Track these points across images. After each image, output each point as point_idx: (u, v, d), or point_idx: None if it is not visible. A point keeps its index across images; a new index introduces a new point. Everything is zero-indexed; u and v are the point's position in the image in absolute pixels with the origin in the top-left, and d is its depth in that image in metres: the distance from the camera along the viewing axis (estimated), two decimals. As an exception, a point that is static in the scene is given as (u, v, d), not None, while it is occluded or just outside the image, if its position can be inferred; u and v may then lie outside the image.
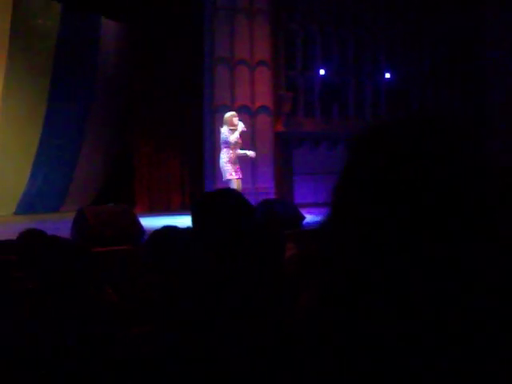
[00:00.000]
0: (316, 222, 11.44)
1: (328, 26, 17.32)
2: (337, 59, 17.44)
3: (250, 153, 12.30)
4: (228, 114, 12.17)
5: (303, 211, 11.55)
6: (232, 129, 11.92)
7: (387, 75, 17.87)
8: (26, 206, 14.95)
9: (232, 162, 11.86)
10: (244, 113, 14.93)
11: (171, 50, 16.18)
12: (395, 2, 18.19)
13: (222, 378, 1.84)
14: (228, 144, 11.86)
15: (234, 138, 11.89)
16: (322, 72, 17.06)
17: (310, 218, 11.64)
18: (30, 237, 4.97)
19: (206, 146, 15.71)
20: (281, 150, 16.48)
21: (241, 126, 12.00)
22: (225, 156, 11.87)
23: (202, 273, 2.33)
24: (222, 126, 12.09)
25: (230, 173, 11.83)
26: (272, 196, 14.84)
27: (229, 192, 2.60)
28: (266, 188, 15.13)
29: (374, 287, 0.90)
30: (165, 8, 15.48)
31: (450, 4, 18.49)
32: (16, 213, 14.84)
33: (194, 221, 2.47)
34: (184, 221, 11.91)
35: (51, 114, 14.86)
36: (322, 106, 17.44)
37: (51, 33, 14.80)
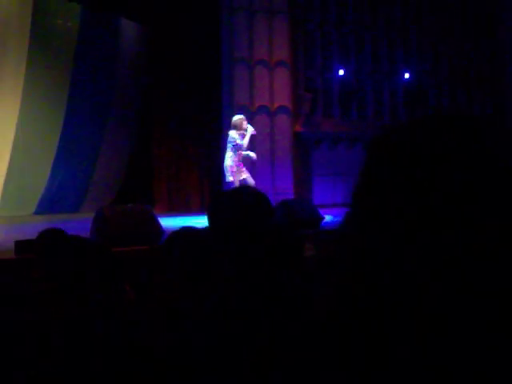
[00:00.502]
0: (335, 223, 11.42)
1: (345, 27, 17.30)
2: (354, 60, 17.41)
3: (252, 154, 12.24)
4: (236, 118, 12.10)
5: (322, 212, 11.53)
6: (241, 133, 11.90)
7: (406, 75, 17.82)
8: (46, 206, 15.01)
9: (237, 164, 11.88)
10: (263, 113, 14.96)
11: (190, 51, 16.20)
12: (411, 2, 18.15)
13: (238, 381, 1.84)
14: (238, 147, 11.86)
15: (246, 142, 11.90)
16: (340, 72, 17.04)
17: (328, 218, 11.62)
18: (50, 236, 4.98)
19: (223, 146, 15.72)
20: (299, 150, 16.47)
21: (250, 130, 11.99)
22: (230, 159, 11.86)
23: (219, 273, 2.33)
24: (229, 129, 12.08)
25: (233, 175, 11.83)
26: (291, 196, 14.83)
27: (247, 190, 2.58)
28: (284, 188, 15.12)
29: (394, 289, 0.90)
30: (183, 9, 15.49)
31: (467, 3, 18.42)
32: (35, 213, 14.90)
33: (209, 220, 2.46)
34: (203, 221, 11.93)
35: (71, 115, 14.93)
36: (341, 106, 17.41)
37: (71, 33, 14.87)
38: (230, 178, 11.87)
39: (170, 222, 11.23)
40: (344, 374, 0.95)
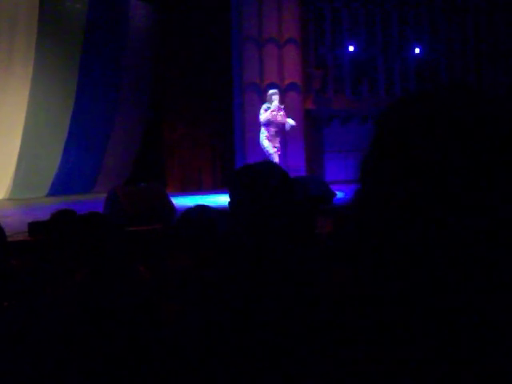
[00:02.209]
0: (347, 199, 11.42)
1: (355, 3, 17.19)
2: (364, 35, 17.31)
3: (290, 121, 12.46)
4: (270, 91, 12.40)
5: (334, 188, 11.53)
6: (269, 107, 12.11)
7: (416, 50, 17.69)
8: (59, 187, 15.04)
9: (270, 139, 12.06)
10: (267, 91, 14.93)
11: (199, 31, 16.14)
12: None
13: (250, 356, 1.84)
14: (261, 122, 12.08)
15: (264, 117, 12.01)
16: (351, 48, 16.95)
17: (340, 194, 11.62)
18: (63, 217, 4.99)
19: (235, 124, 15.70)
20: (311, 127, 16.43)
21: (274, 105, 12.13)
22: (262, 134, 12.14)
23: (235, 249, 2.33)
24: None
25: (267, 149, 12.05)
26: (303, 173, 14.81)
27: (269, 165, 2.57)
28: (296, 165, 15.09)
29: (403, 263, 0.90)
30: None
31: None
32: (48, 194, 14.95)
33: (230, 194, 2.45)
34: (215, 199, 12.00)
35: (81, 97, 14.92)
36: (352, 82, 17.35)
37: (80, 16, 14.82)
38: (266, 153, 12.09)
39: (182, 201, 11.26)
40: (353, 353, 0.95)
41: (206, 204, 4.11)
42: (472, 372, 0.86)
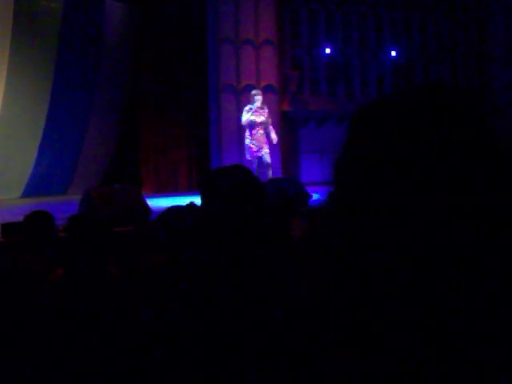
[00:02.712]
0: (322, 201, 11.44)
1: (331, 4, 17.24)
2: (341, 37, 17.37)
3: (273, 136, 12.33)
4: (252, 92, 12.32)
5: (310, 189, 11.55)
6: (251, 108, 12.00)
7: (392, 53, 17.79)
8: (33, 188, 14.97)
9: (254, 142, 11.96)
10: (249, 92, 14.91)
11: (176, 31, 16.14)
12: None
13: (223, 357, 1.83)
14: (243, 125, 12.01)
15: (244, 119, 11.95)
16: (327, 50, 17.00)
17: (316, 196, 11.64)
18: (37, 218, 4.98)
19: (211, 126, 15.69)
20: (287, 128, 16.45)
21: (255, 106, 12.04)
22: (246, 138, 12.04)
23: (207, 252, 2.32)
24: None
25: (247, 155, 11.97)
26: (279, 174, 14.83)
27: (239, 168, 2.56)
28: (272, 166, 15.12)
29: (379, 270, 0.89)
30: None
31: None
32: (23, 195, 14.86)
33: (202, 196, 2.44)
34: (191, 201, 11.94)
35: (56, 97, 14.84)
36: (328, 84, 17.40)
37: (55, 14, 14.74)
38: (247, 156, 11.98)
39: (157, 202, 11.23)
40: (327, 357, 0.95)
41: (181, 204, 4.10)
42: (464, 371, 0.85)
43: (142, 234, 7.32)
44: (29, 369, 2.72)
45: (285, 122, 16.30)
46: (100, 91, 15.91)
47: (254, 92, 12.48)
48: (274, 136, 12.28)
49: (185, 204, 4.24)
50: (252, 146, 12.04)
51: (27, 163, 14.83)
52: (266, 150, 12.14)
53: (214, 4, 15.57)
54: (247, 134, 12.10)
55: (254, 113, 12.05)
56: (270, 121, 12.29)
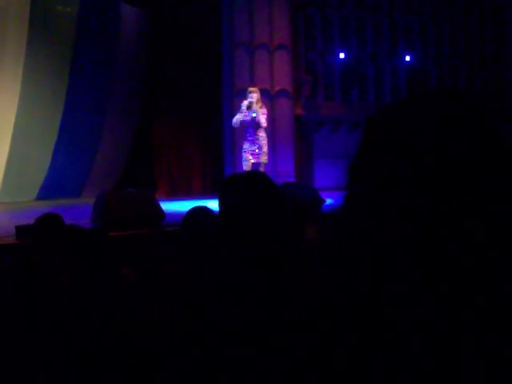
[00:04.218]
0: (336, 206, 11.41)
1: (346, 9, 17.23)
2: (355, 42, 17.35)
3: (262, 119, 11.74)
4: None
5: (323, 195, 11.52)
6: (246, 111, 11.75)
7: (407, 58, 17.75)
8: (48, 191, 15.02)
9: (246, 143, 11.72)
10: (263, 96, 14.90)
11: (190, 35, 16.16)
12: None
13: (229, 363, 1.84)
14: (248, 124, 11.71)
15: (234, 119, 11.76)
16: (341, 55, 16.98)
17: (330, 201, 11.62)
18: (47, 221, 4.99)
19: (225, 130, 15.70)
20: (301, 133, 16.45)
21: (244, 105, 11.75)
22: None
23: (225, 257, 2.32)
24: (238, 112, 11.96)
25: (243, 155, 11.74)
26: (292, 179, 14.82)
27: (257, 176, 2.56)
28: (286, 171, 15.11)
29: (390, 266, 0.89)
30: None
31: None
32: (37, 198, 14.92)
33: (220, 203, 2.44)
34: (205, 205, 11.91)
35: (71, 100, 14.90)
36: (342, 89, 17.38)
37: (70, 19, 14.80)
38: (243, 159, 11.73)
39: (171, 206, 11.24)
40: (338, 361, 0.95)
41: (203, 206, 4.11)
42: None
43: (156, 238, 7.34)
44: (41, 371, 2.73)
45: (298, 126, 16.30)
46: (115, 95, 15.96)
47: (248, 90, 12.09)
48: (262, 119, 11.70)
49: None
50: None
51: (42, 166, 14.89)
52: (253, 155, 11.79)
53: (228, 9, 15.60)
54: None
55: (243, 113, 11.64)
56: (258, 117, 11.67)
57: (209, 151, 17.06)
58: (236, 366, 1.81)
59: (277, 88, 15.58)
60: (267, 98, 15.24)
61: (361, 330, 0.92)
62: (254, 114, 11.45)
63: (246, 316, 1.88)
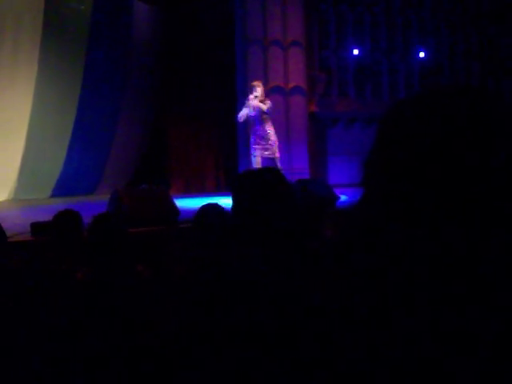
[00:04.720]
0: (350, 203, 11.40)
1: (359, 6, 17.18)
2: (369, 39, 17.30)
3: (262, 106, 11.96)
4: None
5: (337, 191, 11.51)
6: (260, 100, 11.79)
7: (421, 54, 17.68)
8: (62, 188, 15.08)
9: (253, 137, 11.75)
10: (277, 93, 14.91)
11: (204, 32, 16.17)
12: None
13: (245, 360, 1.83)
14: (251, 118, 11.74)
15: (239, 113, 11.80)
16: (355, 52, 16.94)
17: (344, 198, 11.61)
18: (65, 218, 5.01)
19: (239, 127, 15.69)
20: (315, 130, 16.42)
21: (250, 98, 11.83)
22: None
23: (236, 252, 2.32)
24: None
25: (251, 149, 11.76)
26: (307, 176, 14.80)
27: (269, 170, 2.56)
28: (300, 168, 15.08)
29: (406, 266, 0.89)
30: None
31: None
32: (52, 195, 14.98)
33: (233, 198, 2.45)
34: (219, 201, 11.93)
35: (85, 97, 14.94)
36: (356, 85, 17.33)
37: (84, 17, 14.84)
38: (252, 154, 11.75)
39: (185, 203, 11.26)
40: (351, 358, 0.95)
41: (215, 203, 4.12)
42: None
43: (170, 235, 7.35)
44: (56, 367, 2.74)
45: (312, 123, 16.27)
46: (128, 92, 16.00)
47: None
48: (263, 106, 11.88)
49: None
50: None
51: (57, 163, 14.94)
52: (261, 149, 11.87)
53: (242, 5, 15.57)
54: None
55: (251, 106, 11.79)
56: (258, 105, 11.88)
57: (223, 148, 17.06)
58: (245, 365, 1.81)
59: (291, 85, 15.56)
60: (281, 94, 15.23)
61: (374, 330, 0.92)
62: (250, 110, 11.67)
63: (256, 315, 1.88)
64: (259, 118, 11.68)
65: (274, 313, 1.92)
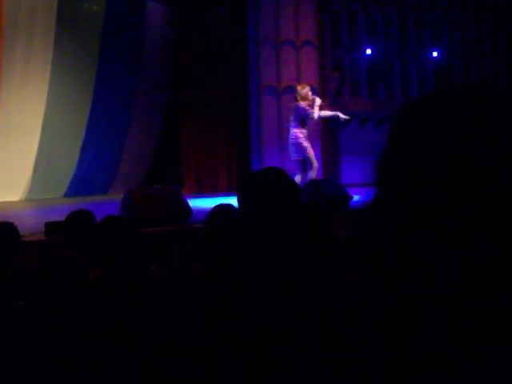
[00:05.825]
0: (363, 202, 11.38)
1: (372, 5, 17.15)
2: (381, 38, 17.26)
3: (342, 115, 12.21)
4: (303, 88, 12.05)
5: (350, 191, 11.49)
6: (309, 104, 11.85)
7: (434, 53, 17.63)
8: (76, 188, 15.12)
9: (307, 138, 11.84)
10: (290, 93, 14.88)
11: (216, 32, 16.18)
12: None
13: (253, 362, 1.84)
14: (308, 120, 11.79)
15: (316, 114, 11.83)
16: (368, 51, 16.91)
17: (357, 197, 11.58)
18: (78, 217, 5.03)
19: (252, 127, 15.69)
20: (327, 129, 16.40)
21: (318, 101, 11.92)
22: (301, 133, 11.80)
23: (245, 252, 2.32)
24: (297, 101, 11.98)
25: (308, 150, 11.82)
26: (319, 176, 14.78)
27: (275, 171, 2.57)
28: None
29: (418, 268, 0.89)
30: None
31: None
32: (66, 195, 15.02)
33: (239, 200, 2.45)
34: (231, 202, 11.92)
35: (98, 97, 14.97)
36: (369, 85, 17.30)
37: (98, 16, 14.88)
38: (308, 153, 11.79)
39: (198, 203, 11.26)
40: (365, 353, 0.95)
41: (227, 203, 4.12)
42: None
43: (183, 235, 7.36)
44: (68, 365, 2.75)
45: (325, 123, 16.25)
46: (141, 92, 16.02)
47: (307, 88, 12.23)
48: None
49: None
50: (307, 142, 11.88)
51: (70, 163, 14.98)
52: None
53: (254, 5, 15.57)
54: (303, 131, 11.93)
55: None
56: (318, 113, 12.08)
57: (235, 147, 17.06)
58: (262, 364, 1.82)
59: (303, 84, 15.54)
60: (294, 94, 15.23)
61: (390, 331, 0.92)
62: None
63: (270, 314, 1.88)
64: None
65: (285, 312, 1.92)
